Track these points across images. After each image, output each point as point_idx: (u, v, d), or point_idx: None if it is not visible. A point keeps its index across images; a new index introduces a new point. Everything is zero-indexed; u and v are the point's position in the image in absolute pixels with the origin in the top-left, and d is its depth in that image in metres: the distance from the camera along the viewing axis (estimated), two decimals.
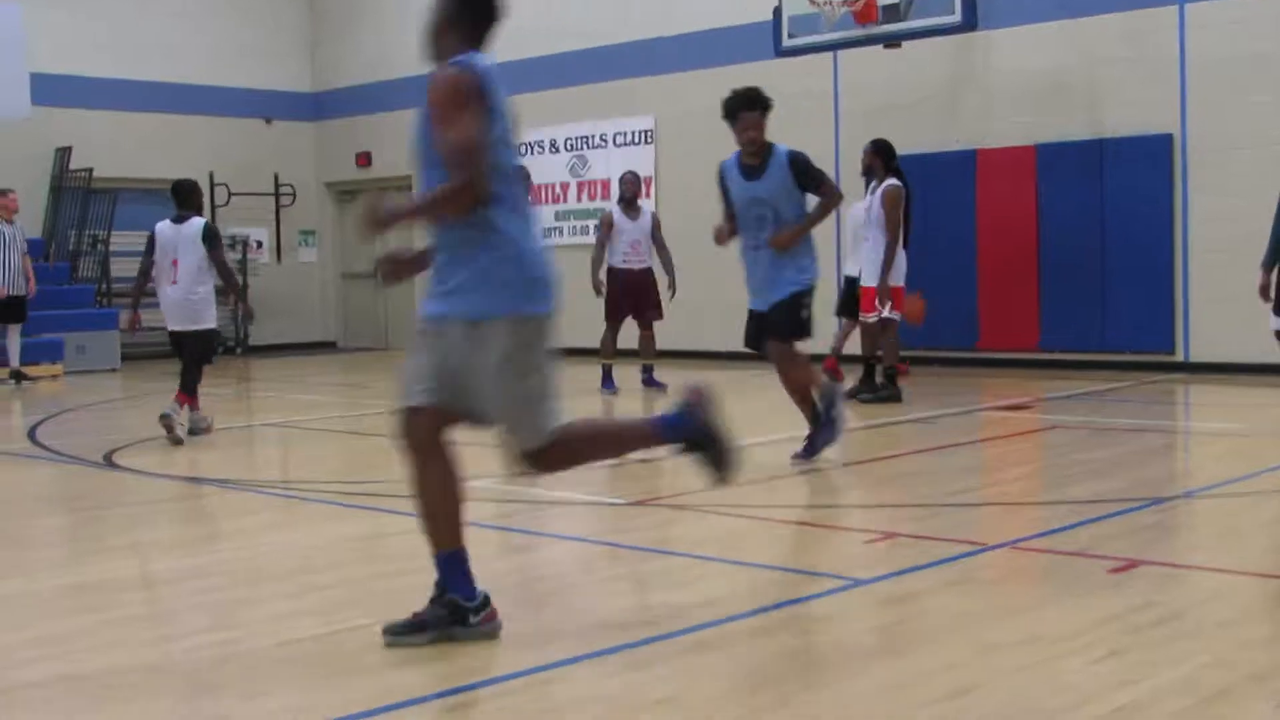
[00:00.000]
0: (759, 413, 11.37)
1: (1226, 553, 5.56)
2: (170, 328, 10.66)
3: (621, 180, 13.87)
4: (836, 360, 12.69)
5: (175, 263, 10.42)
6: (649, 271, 13.43)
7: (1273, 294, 7.60)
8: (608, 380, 13.32)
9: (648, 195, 17.74)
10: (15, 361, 16.14)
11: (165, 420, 9.84)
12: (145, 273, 11.29)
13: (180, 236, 10.47)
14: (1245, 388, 12.04)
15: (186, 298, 10.39)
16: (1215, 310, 12.99)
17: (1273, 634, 4.33)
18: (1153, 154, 13.54)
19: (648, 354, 13.45)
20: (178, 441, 9.83)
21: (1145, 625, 4.43)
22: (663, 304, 13.46)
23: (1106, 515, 6.34)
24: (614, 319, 13.28)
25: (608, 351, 13.29)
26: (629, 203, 13.32)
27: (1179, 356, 13.58)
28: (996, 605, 4.82)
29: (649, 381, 13.43)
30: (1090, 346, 14.03)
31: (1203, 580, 5.10)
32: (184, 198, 10.83)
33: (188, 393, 10.15)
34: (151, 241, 10.97)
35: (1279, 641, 4.23)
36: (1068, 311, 14.15)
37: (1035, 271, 14.37)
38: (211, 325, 10.75)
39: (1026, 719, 3.56)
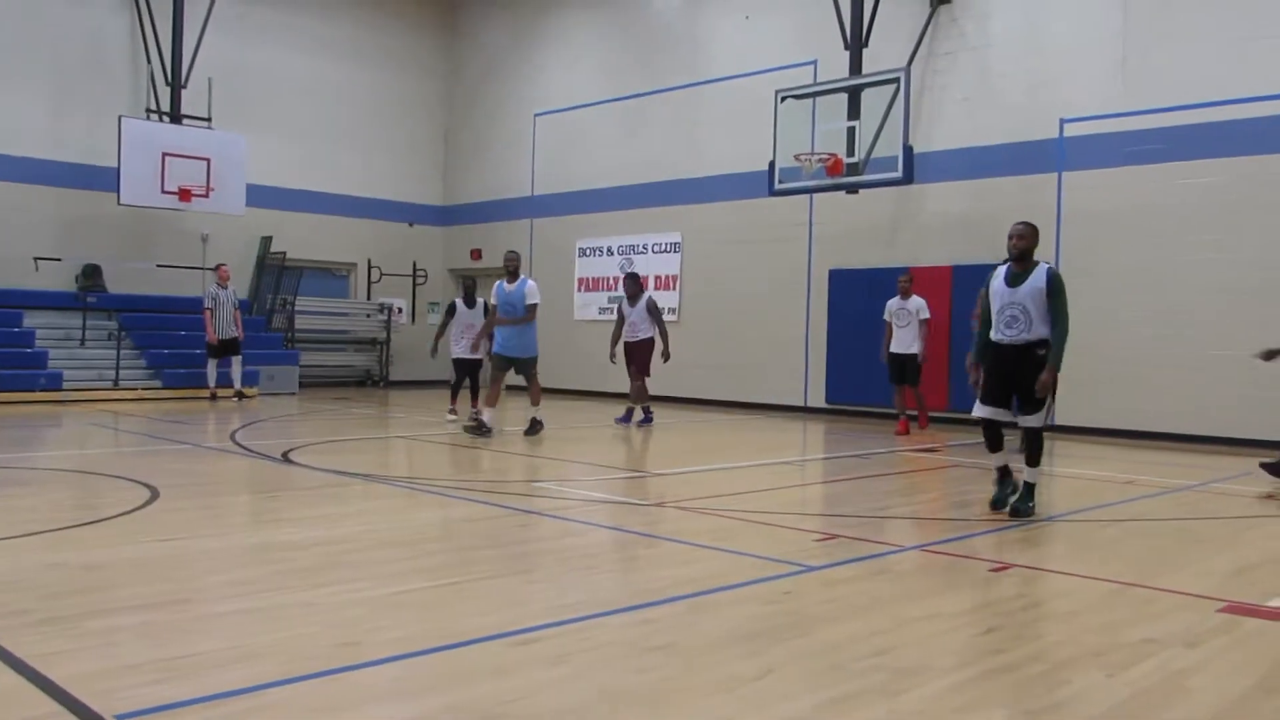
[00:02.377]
0: (739, 443, 11.35)
1: (1075, 562, 5.48)
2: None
3: (622, 282, 13.93)
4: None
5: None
6: (644, 341, 13.00)
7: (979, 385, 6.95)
8: (625, 416, 13.35)
9: (674, 289, 17.81)
10: (238, 384, 16.33)
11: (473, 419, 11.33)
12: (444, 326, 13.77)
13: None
14: (1095, 445, 11.92)
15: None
16: (1074, 388, 12.89)
17: (1107, 622, 4.24)
18: None
19: (635, 398, 13.15)
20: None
21: (1014, 610, 4.39)
22: (652, 363, 13.09)
23: (989, 530, 6.29)
24: (628, 374, 13.17)
25: (632, 396, 13.24)
26: (631, 297, 13.12)
27: (1049, 420, 13.44)
28: (908, 590, 4.77)
29: (625, 417, 13.26)
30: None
31: (1057, 581, 5.03)
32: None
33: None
34: (452, 307, 13.54)
35: (1111, 628, 4.14)
36: (962, 383, 13.98)
37: (948, 353, 14.28)
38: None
39: (927, 673, 3.51)
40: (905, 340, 12.89)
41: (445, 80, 22.39)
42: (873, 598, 4.57)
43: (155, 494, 7.08)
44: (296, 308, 19.96)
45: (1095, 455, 10.87)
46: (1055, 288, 6.60)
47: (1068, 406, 13.11)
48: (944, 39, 14.40)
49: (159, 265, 18.41)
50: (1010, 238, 6.81)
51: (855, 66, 14.20)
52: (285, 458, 9.39)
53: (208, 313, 15.98)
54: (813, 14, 15.30)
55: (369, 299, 21.53)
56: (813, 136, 14.06)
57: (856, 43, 14.25)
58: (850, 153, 13.76)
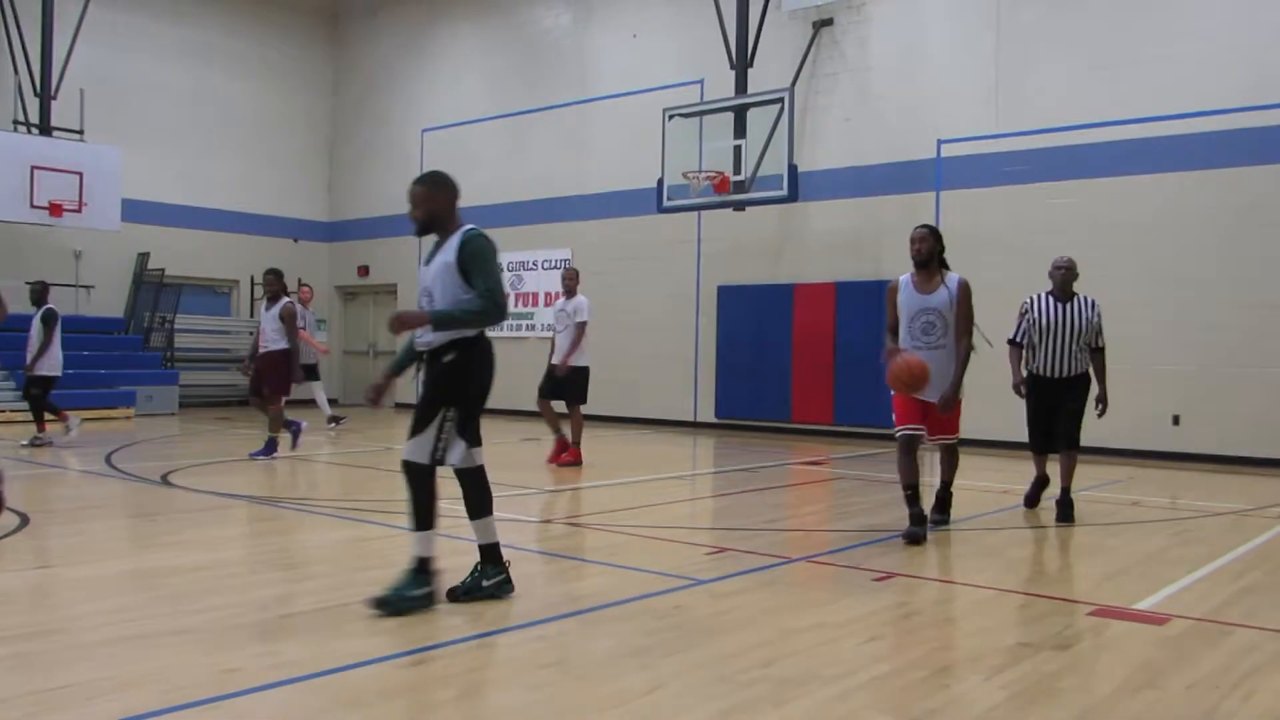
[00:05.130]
0: (629, 458, 11.40)
1: (954, 570, 5.65)
2: None
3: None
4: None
5: None
6: (275, 354, 10.72)
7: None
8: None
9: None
10: (326, 409, 15.27)
11: None
12: None
13: None
14: (976, 456, 12.26)
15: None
16: (964, 399, 13.26)
17: (984, 628, 4.39)
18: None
19: (272, 425, 11.00)
20: None
21: (896, 619, 4.49)
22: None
23: (873, 540, 6.41)
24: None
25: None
26: (271, 298, 11.12)
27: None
28: (795, 601, 4.84)
29: (265, 450, 10.90)
30: (869, 422, 14.23)
31: (938, 588, 5.18)
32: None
33: None
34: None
35: (988, 633, 4.29)
36: (854, 397, 14.33)
37: (832, 368, 14.56)
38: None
39: (812, 682, 3.58)
40: (564, 347, 10.66)
41: (330, 95, 22.01)
42: (760, 609, 4.63)
43: (25, 520, 6.78)
44: (176, 326, 19.34)
45: (975, 466, 11.20)
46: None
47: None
48: (826, 61, 14.75)
49: (28, 283, 17.57)
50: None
51: (741, 86, 14.44)
52: (164, 480, 9.09)
53: (303, 333, 14.56)
54: (699, 34, 15.52)
55: (252, 316, 20.97)
56: (700, 155, 14.22)
57: (742, 63, 14.50)
58: (737, 171, 13.96)
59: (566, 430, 10.67)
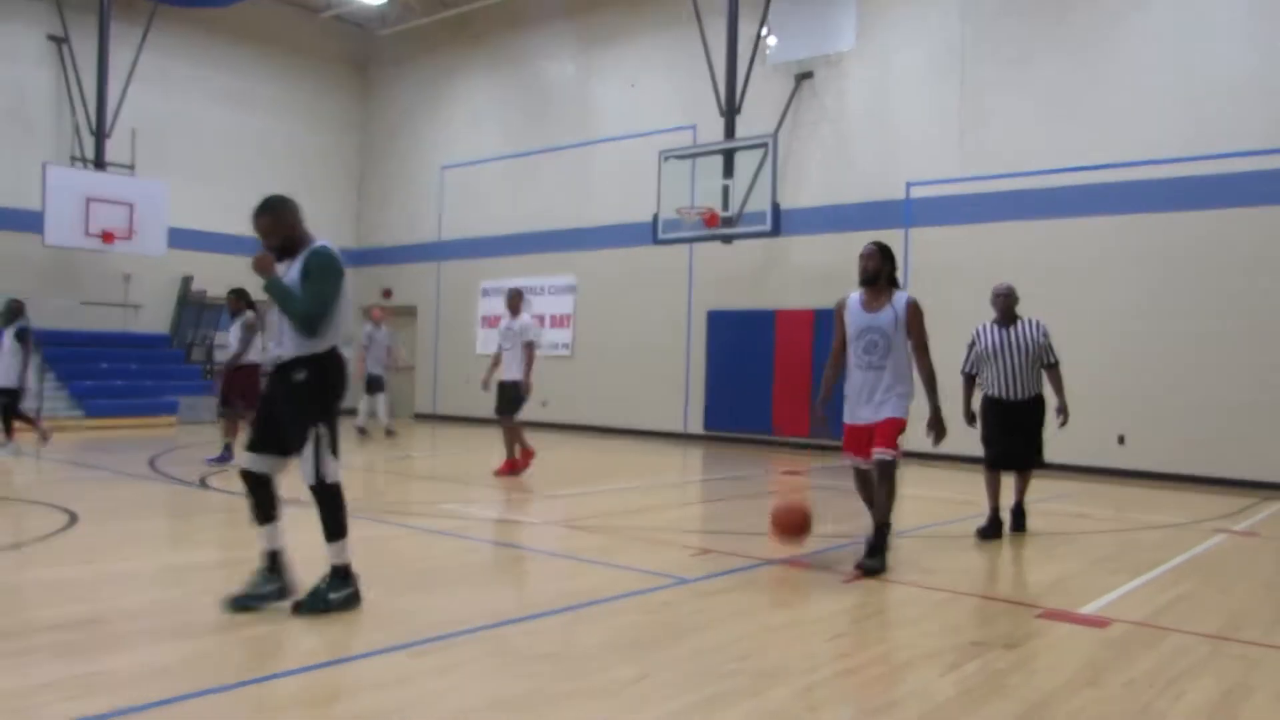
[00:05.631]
0: (625, 466, 11.38)
1: (917, 573, 5.62)
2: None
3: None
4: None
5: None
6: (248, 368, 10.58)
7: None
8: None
9: (569, 326, 17.81)
10: (384, 418, 14.89)
11: None
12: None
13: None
14: (940, 470, 12.27)
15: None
16: (920, 420, 13.25)
17: (940, 627, 4.38)
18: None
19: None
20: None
21: (861, 618, 4.49)
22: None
23: (842, 545, 6.39)
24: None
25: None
26: (232, 313, 10.87)
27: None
28: (771, 600, 4.84)
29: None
30: (841, 436, 14.21)
31: (900, 590, 5.15)
32: None
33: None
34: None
35: (944, 633, 4.28)
36: (830, 413, 14.28)
37: (809, 387, 14.56)
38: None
39: (784, 675, 3.58)
40: (511, 365, 10.14)
41: (358, 134, 22.08)
42: (740, 607, 4.62)
43: (74, 519, 6.77)
44: (215, 342, 19.33)
45: (939, 479, 11.22)
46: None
47: (916, 435, 13.50)
48: (806, 110, 14.82)
49: (83, 302, 17.64)
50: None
51: (729, 131, 14.51)
52: (201, 482, 9.07)
53: (363, 350, 14.67)
54: (691, 83, 15.59)
55: None
56: (692, 192, 14.27)
57: (730, 110, 14.56)
58: (725, 207, 14.00)
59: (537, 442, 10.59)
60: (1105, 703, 3.38)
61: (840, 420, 6.02)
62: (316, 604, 4.29)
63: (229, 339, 10.75)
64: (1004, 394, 7.02)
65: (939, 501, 9.01)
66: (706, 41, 14.80)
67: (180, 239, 17.99)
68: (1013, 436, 7.01)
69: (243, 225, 19.44)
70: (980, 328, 7.18)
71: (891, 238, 13.79)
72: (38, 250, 16.37)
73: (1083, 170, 12.43)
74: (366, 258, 21.95)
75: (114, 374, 16.84)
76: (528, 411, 13.91)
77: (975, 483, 6.89)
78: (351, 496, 8.22)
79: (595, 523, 7.09)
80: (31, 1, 17.00)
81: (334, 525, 4.45)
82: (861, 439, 5.81)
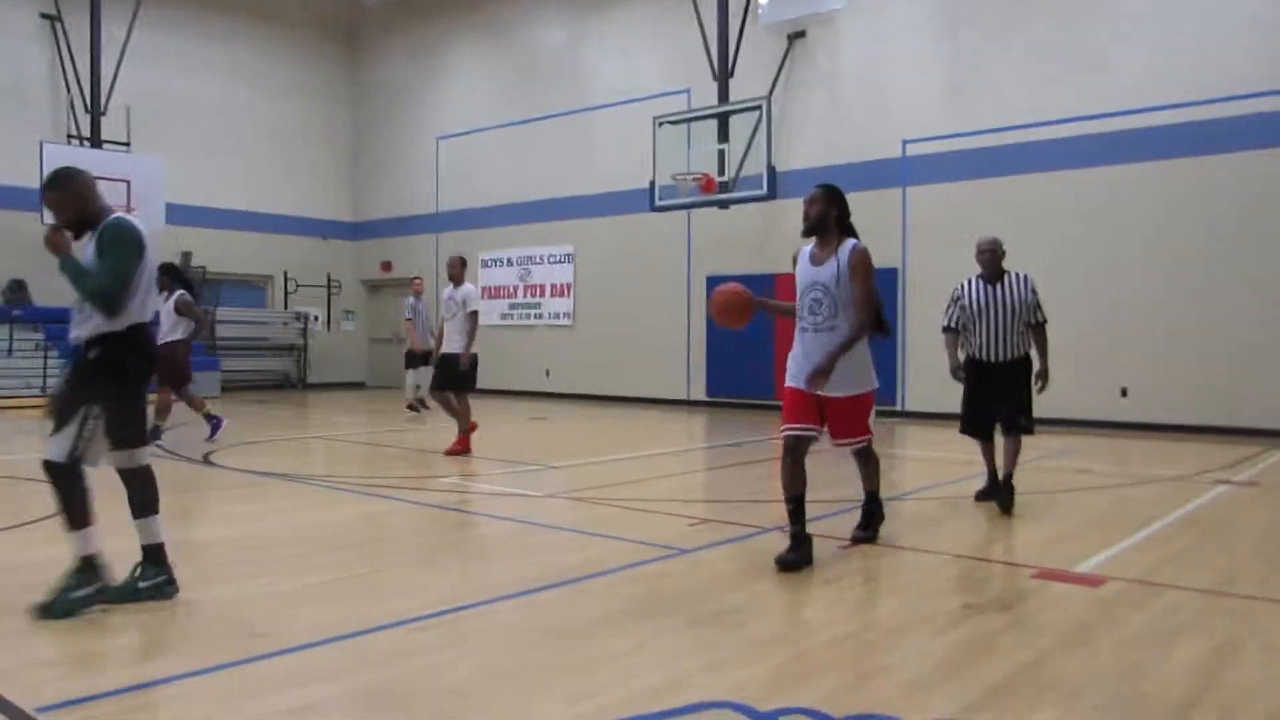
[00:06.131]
0: (626, 436, 11.39)
1: (914, 536, 5.66)
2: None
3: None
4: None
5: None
6: (168, 344, 10.29)
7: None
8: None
9: (569, 295, 17.78)
10: (420, 392, 14.03)
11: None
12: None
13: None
14: (939, 429, 12.28)
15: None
16: (921, 378, 13.32)
17: (935, 591, 4.40)
18: (884, 279, 13.80)
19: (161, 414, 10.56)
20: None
21: (856, 584, 4.51)
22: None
23: (842, 510, 6.40)
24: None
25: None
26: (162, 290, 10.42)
27: (899, 406, 13.86)
28: (766, 569, 4.83)
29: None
30: None
31: (896, 555, 5.17)
32: None
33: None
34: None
35: (938, 596, 4.30)
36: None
37: None
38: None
39: (779, 643, 3.62)
40: (452, 337, 9.71)
41: (351, 106, 21.94)
42: (736, 577, 4.64)
43: None
44: (217, 317, 19.37)
45: (938, 440, 11.24)
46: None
47: (917, 394, 13.54)
48: (800, 69, 14.69)
49: None
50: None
51: (723, 95, 14.40)
52: (206, 459, 9.12)
53: (409, 323, 14.27)
54: (684, 48, 15.45)
55: (286, 308, 21.00)
56: (688, 158, 14.20)
57: (724, 74, 14.44)
58: (721, 172, 13.94)
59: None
60: (1095, 662, 3.41)
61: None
62: (58, 604, 3.96)
63: (161, 318, 10.25)
64: (988, 355, 6.51)
65: (937, 462, 9.03)
66: (697, 3, 14.64)
67: (177, 214, 17.97)
68: (996, 400, 6.49)
69: (240, 199, 19.49)
70: (964, 282, 6.70)
71: (889, 197, 13.79)
72: (36, 228, 16.27)
73: (1076, 121, 12.35)
74: (364, 230, 21.92)
75: None
76: (531, 381, 14.07)
77: (972, 443, 6.85)
78: (352, 471, 8.29)
79: (596, 494, 7.13)
80: None
81: (74, 514, 4.12)
82: (805, 407, 4.95)
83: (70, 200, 4.12)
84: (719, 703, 2.98)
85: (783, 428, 5.01)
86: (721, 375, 15.62)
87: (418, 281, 14.88)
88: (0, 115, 16.77)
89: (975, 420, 6.62)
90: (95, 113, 17.22)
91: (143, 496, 4.29)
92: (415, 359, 14.09)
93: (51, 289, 17.15)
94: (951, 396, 12.84)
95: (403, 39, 20.84)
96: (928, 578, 4.66)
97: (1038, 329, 6.55)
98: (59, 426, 4.05)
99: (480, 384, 16.42)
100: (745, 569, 4.80)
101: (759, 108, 13.58)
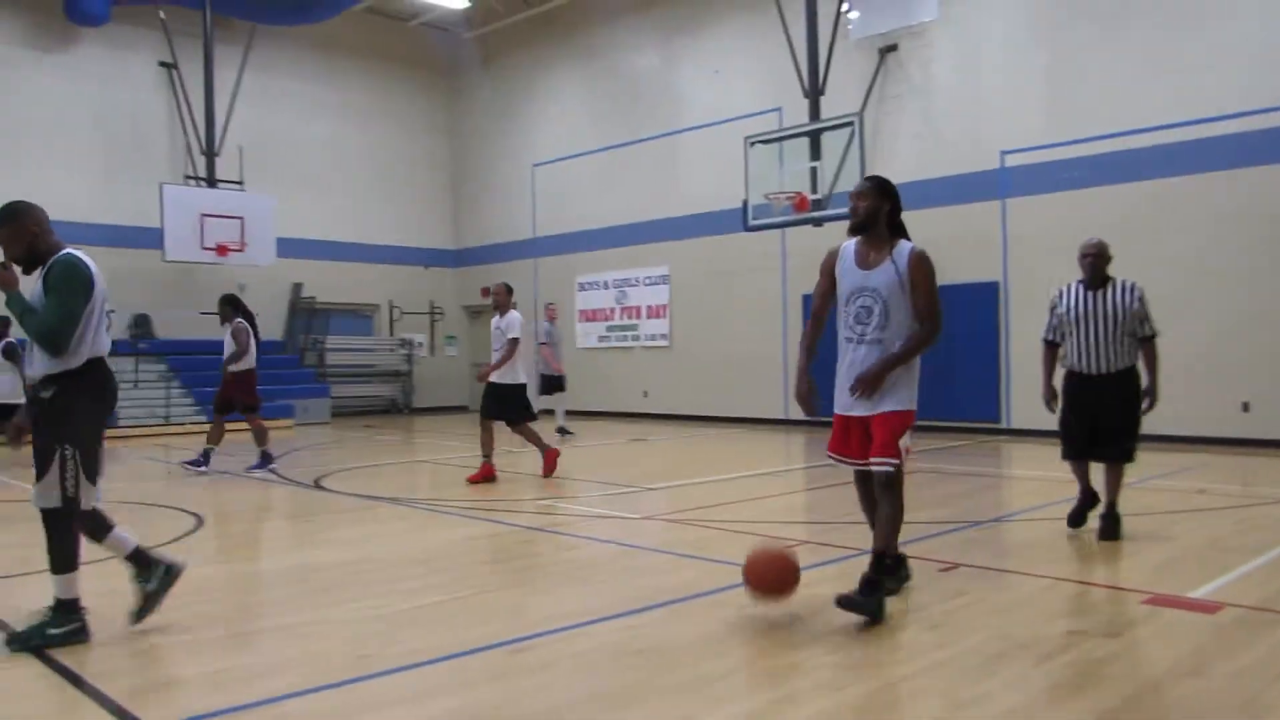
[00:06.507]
0: (724, 457, 11.37)
1: (1017, 559, 5.52)
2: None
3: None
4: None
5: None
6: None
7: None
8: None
9: (665, 316, 17.88)
10: (560, 419, 14.52)
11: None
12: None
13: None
14: (1046, 446, 11.92)
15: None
16: (1026, 395, 12.96)
17: (1038, 615, 4.29)
18: (985, 293, 13.58)
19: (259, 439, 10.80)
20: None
21: (956, 608, 4.41)
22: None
23: (941, 532, 6.31)
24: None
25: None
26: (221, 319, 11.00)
27: (1003, 424, 13.52)
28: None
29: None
30: (941, 416, 13.97)
31: (998, 577, 5.06)
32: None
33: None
34: None
35: (1042, 620, 4.19)
36: (929, 393, 14.04)
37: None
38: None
39: (873, 669, 3.58)
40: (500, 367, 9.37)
41: (451, 137, 22.55)
42: (831, 600, 4.59)
43: (200, 522, 7.15)
44: (326, 345, 20.11)
45: (1044, 458, 10.90)
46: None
47: (1022, 411, 13.18)
48: (892, 84, 14.54)
49: (202, 313, 18.48)
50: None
51: (814, 112, 14.33)
52: (317, 484, 9.45)
53: (545, 348, 14.25)
54: (775, 67, 15.45)
55: (391, 335, 21.64)
56: (780, 177, 14.16)
57: (814, 91, 14.38)
58: (814, 190, 13.85)
59: (525, 449, 9.69)
60: (1209, 693, 3.28)
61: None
62: (32, 637, 3.96)
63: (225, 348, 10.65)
64: (1087, 365, 5.95)
65: (1043, 482, 8.77)
66: (786, 22, 14.64)
67: (288, 248, 18.73)
68: (1095, 419, 5.94)
69: (347, 231, 20.14)
70: (1063, 288, 6.19)
71: (987, 210, 13.51)
72: (159, 265, 17.25)
73: (1189, 125, 11.90)
74: (465, 258, 22.46)
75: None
76: (630, 402, 14.13)
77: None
78: (457, 494, 8.49)
79: (694, 516, 7.15)
80: (143, 31, 17.87)
81: (63, 558, 4.04)
82: (854, 436, 4.51)
83: (21, 235, 4.04)
84: None
85: (837, 460, 4.62)
86: (821, 393, 15.40)
87: (551, 307, 15.05)
88: (124, 160, 17.76)
89: (1076, 441, 6.09)
90: (210, 154, 18.11)
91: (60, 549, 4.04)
92: (551, 383, 14.28)
93: (174, 322, 18.10)
94: (1050, 415, 12.52)
95: (498, 69, 21.37)
96: (1030, 602, 4.54)
97: (1146, 343, 6.01)
98: (40, 474, 3.96)
99: (581, 406, 16.64)
100: (842, 591, 4.75)
101: (851, 124, 13.47)
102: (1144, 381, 6.08)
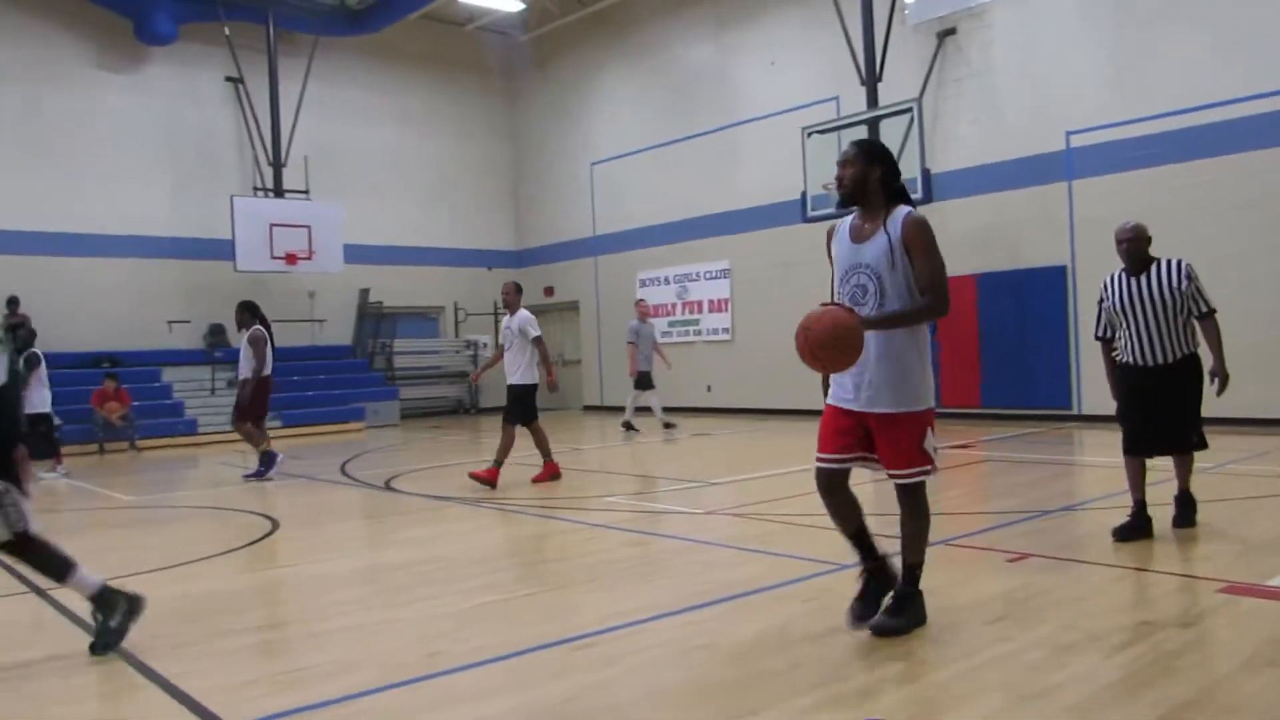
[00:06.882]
0: (789, 449, 11.32)
1: (1087, 549, 5.41)
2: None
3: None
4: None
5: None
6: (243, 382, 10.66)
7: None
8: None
9: (726, 310, 17.83)
10: (659, 413, 14.47)
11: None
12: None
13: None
14: (1119, 433, 11.62)
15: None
16: (1096, 379, 12.62)
17: (1109, 606, 4.21)
18: (1053, 278, 13.29)
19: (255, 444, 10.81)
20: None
21: (1024, 599, 4.35)
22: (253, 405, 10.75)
23: (1010, 523, 6.20)
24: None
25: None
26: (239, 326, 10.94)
27: (1074, 410, 13.23)
28: (930, 584, 4.67)
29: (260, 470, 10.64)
30: (1014, 404, 13.74)
31: (1068, 568, 4.96)
32: None
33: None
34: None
35: (1113, 612, 4.11)
36: (999, 381, 13.88)
37: (977, 353, 14.12)
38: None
39: (937, 662, 3.54)
40: (513, 368, 9.34)
41: (509, 139, 22.76)
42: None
43: (275, 525, 7.35)
44: (394, 349, 20.45)
45: (1119, 443, 10.65)
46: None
47: (1093, 397, 12.88)
48: (951, 68, 14.29)
49: (274, 320, 18.95)
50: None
51: (872, 100, 14.17)
52: (387, 485, 9.63)
53: (631, 347, 14.40)
54: (831, 55, 15.30)
55: (457, 336, 21.93)
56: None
57: (872, 78, 14.21)
58: None
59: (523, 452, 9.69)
60: None
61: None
62: (104, 637, 4.07)
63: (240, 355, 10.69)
64: (1139, 357, 5.56)
65: (1117, 469, 8.55)
66: (842, 10, 14.48)
67: (354, 254, 19.10)
68: (1155, 412, 5.56)
69: (411, 236, 20.54)
70: (1107, 279, 5.78)
71: (1053, 192, 13.22)
72: (231, 276, 17.71)
73: (1264, 98, 11.48)
74: (527, 258, 22.65)
75: (305, 385, 18.11)
76: (693, 397, 14.14)
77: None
78: (523, 493, 8.59)
79: (758, 510, 7.14)
80: (210, 48, 18.36)
81: (54, 567, 4.06)
82: (845, 431, 3.89)
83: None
84: None
85: (817, 455, 3.99)
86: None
87: (642, 303, 15.00)
88: (194, 174, 18.28)
89: (1139, 436, 5.69)
90: (277, 165, 18.54)
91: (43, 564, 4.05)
92: (644, 379, 14.34)
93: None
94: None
95: (554, 70, 21.50)
96: (1101, 592, 4.45)
97: (1205, 321, 5.54)
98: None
99: (643, 401, 16.65)
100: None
101: (910, 110, 13.30)
102: (1203, 365, 5.65)
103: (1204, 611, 4.05)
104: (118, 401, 15.29)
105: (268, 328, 10.85)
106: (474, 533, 7.02)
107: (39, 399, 11.68)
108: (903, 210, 3.86)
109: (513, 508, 7.86)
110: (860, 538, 4.03)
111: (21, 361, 11.54)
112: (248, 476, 10.56)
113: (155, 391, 16.66)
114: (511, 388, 9.26)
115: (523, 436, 9.45)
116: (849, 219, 4.04)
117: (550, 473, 9.31)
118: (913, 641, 3.78)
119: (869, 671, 3.46)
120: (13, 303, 15.98)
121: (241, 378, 10.62)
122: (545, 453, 9.38)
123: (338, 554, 6.42)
